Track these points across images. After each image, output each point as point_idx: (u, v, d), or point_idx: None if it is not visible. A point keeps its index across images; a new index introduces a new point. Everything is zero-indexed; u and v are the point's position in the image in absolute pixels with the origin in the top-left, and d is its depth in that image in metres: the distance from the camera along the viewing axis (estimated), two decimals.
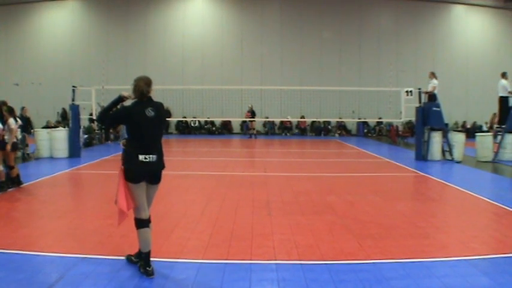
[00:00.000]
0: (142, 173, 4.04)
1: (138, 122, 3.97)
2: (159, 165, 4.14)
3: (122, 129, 19.26)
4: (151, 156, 4.02)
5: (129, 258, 4.34)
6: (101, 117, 4.15)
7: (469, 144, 14.14)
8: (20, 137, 10.40)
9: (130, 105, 4.06)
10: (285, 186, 8.79)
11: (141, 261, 4.15)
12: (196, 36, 25.50)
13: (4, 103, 8.70)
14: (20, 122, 9.10)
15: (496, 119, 23.69)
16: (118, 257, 4.42)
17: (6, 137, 8.14)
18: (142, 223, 4.10)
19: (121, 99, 4.12)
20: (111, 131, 19.52)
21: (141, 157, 3.97)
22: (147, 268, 4.04)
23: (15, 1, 25.10)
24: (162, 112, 4.18)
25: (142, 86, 4.03)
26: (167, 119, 24.01)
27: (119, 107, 4.20)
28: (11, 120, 8.32)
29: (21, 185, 8.38)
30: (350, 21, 25.78)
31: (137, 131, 4.00)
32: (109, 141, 19.08)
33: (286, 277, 4.05)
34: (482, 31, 26.28)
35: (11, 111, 8.50)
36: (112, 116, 4.10)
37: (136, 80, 4.07)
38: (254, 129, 23.24)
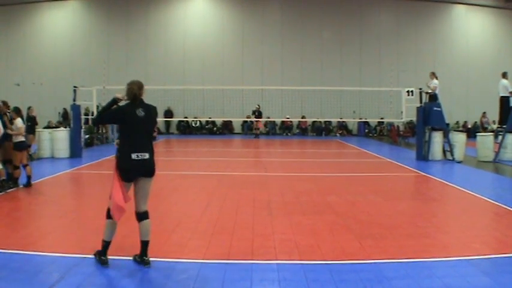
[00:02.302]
0: (135, 170, 4.24)
1: (129, 121, 4.23)
2: (151, 162, 4.32)
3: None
4: (143, 154, 4.23)
5: (134, 259, 4.40)
6: (97, 117, 4.60)
7: (470, 144, 14.13)
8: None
9: (123, 106, 4.35)
10: (286, 186, 8.79)
11: (138, 257, 4.31)
12: (197, 36, 25.52)
13: (4, 103, 8.74)
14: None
15: (485, 118, 23.94)
16: (119, 257, 4.43)
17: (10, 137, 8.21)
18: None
19: (115, 101, 4.40)
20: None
21: (133, 156, 4.20)
22: (102, 257, 4.28)
23: (16, 1, 25.13)
24: (153, 113, 4.42)
25: (135, 89, 4.31)
26: (170, 119, 24.16)
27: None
28: (19, 120, 8.37)
29: (29, 186, 8.41)
30: (351, 21, 25.78)
31: (129, 130, 4.26)
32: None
33: (287, 277, 4.05)
34: (483, 31, 26.27)
35: (18, 112, 8.56)
36: (107, 115, 4.43)
37: (130, 84, 4.37)
38: (259, 129, 23.25)
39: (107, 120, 5.10)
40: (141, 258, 4.28)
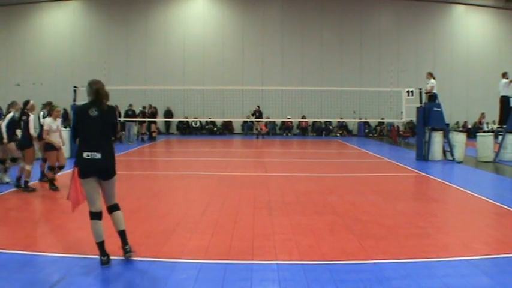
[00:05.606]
0: (87, 169, 4.27)
1: (81, 120, 4.30)
2: (104, 162, 4.29)
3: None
4: (94, 153, 4.24)
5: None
6: None
7: (470, 144, 14.13)
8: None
9: (79, 105, 4.47)
10: (286, 186, 8.79)
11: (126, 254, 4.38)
12: (197, 36, 25.53)
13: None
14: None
15: (483, 118, 23.92)
16: (118, 257, 4.43)
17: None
18: (91, 215, 4.34)
19: None
20: None
21: (85, 154, 4.23)
22: (102, 257, 4.27)
23: (17, 1, 25.15)
24: (108, 113, 4.37)
25: (100, 89, 4.34)
26: (170, 119, 24.14)
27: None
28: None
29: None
30: (351, 21, 25.80)
31: (81, 129, 4.31)
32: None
33: (287, 277, 4.04)
34: (483, 31, 26.28)
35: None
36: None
37: (93, 84, 4.36)
38: (262, 129, 23.30)
39: None
40: (123, 249, 4.35)
